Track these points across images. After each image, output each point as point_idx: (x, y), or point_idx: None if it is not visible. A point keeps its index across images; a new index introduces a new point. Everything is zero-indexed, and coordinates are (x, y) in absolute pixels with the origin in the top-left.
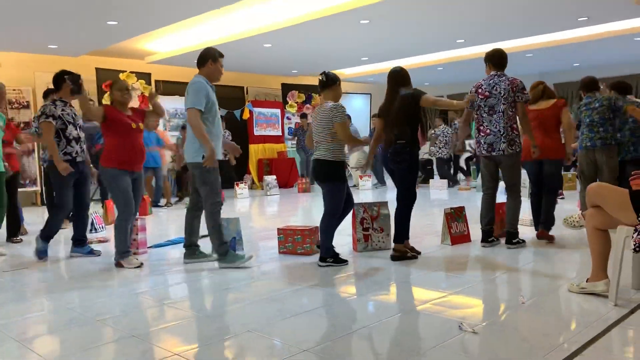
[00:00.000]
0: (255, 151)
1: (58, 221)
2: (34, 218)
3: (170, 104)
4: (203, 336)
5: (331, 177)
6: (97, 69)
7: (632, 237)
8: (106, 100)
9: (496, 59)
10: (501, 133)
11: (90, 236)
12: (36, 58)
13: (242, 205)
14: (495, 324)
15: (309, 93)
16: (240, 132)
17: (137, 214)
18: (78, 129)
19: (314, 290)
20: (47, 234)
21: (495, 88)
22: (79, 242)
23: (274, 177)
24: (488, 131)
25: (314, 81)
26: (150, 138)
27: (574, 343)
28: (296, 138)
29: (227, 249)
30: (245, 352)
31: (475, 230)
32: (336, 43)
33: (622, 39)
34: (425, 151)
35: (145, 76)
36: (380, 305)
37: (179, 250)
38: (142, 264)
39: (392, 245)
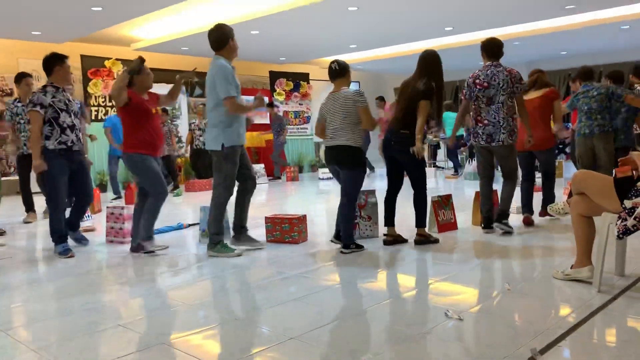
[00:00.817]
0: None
1: (58, 218)
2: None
3: (157, 91)
4: (191, 324)
5: (355, 163)
6: (82, 56)
7: (616, 224)
8: (92, 87)
9: (491, 49)
10: (501, 124)
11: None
12: (20, 45)
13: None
14: (481, 311)
15: (297, 80)
16: None
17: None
18: (73, 116)
19: (301, 278)
20: (56, 234)
21: (493, 79)
22: (72, 225)
23: (262, 165)
24: (486, 122)
25: (302, 69)
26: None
27: (558, 329)
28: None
29: (221, 239)
30: (232, 340)
31: (462, 217)
32: (324, 30)
33: (609, 27)
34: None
35: (130, 63)
36: (367, 293)
37: (165, 239)
38: (167, 247)
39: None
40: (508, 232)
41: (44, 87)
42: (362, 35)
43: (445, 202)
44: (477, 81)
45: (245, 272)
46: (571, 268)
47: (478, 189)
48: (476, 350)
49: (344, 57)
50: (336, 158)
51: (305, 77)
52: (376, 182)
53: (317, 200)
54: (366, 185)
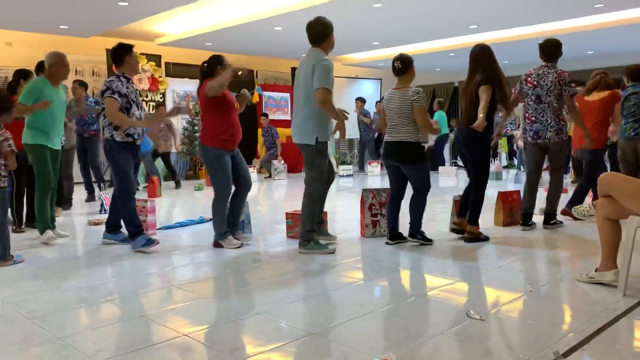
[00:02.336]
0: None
1: (133, 208)
2: None
3: (180, 86)
4: (211, 318)
5: (418, 158)
6: (107, 50)
7: None
8: None
9: (548, 50)
10: (548, 122)
11: (100, 217)
12: (47, 38)
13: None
14: (503, 312)
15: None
16: (250, 115)
17: (234, 189)
18: (140, 110)
19: (321, 274)
20: (133, 224)
21: (542, 79)
22: (113, 228)
23: (282, 161)
24: (534, 119)
25: None
26: None
27: (581, 332)
28: None
29: (313, 237)
30: (252, 334)
31: (484, 217)
32: (347, 27)
33: (638, 27)
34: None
35: (155, 58)
36: (388, 291)
37: (187, 233)
38: (242, 244)
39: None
40: (558, 226)
41: (118, 76)
42: (385, 33)
43: None
44: (529, 79)
45: (266, 267)
46: (596, 271)
47: (500, 189)
48: (497, 352)
49: (366, 55)
50: (395, 154)
51: None
52: None
53: (337, 197)
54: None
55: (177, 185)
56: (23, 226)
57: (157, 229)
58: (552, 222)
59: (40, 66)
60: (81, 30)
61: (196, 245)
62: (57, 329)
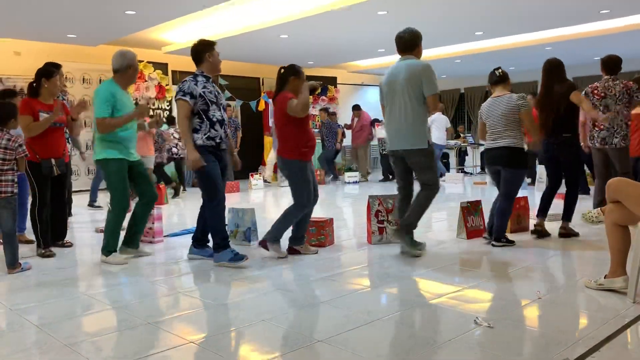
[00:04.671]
0: (271, 142)
1: (222, 218)
2: None
3: None
4: (217, 325)
5: (521, 163)
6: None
7: None
8: None
9: (609, 65)
10: (615, 129)
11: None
12: (55, 47)
13: (256, 196)
14: (511, 319)
15: (325, 85)
16: (256, 123)
17: None
18: (222, 110)
19: (328, 281)
20: (220, 236)
21: (610, 90)
22: (201, 242)
23: None
24: (602, 126)
25: (330, 73)
26: None
27: (590, 339)
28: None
29: (413, 229)
30: (259, 342)
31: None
32: (353, 34)
33: None
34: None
35: (162, 66)
36: (395, 298)
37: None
38: (287, 255)
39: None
40: None
41: (195, 76)
42: (391, 39)
43: (474, 208)
44: (595, 91)
45: (272, 274)
46: (605, 278)
47: None
48: (505, 359)
49: (371, 62)
50: (500, 159)
51: (332, 81)
52: None
53: (343, 204)
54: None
55: (176, 193)
56: (50, 248)
57: (164, 236)
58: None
59: (44, 73)
60: (89, 39)
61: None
62: (64, 336)
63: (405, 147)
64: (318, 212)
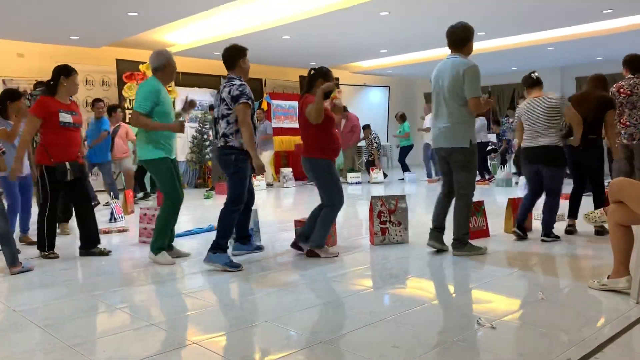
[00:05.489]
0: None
1: (232, 218)
2: None
3: (190, 95)
4: (221, 325)
5: (561, 161)
6: (117, 60)
7: None
8: (127, 91)
9: (634, 64)
10: None
11: (110, 226)
12: (58, 49)
13: (258, 197)
14: (514, 320)
15: (337, 83)
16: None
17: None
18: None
19: (331, 282)
20: (226, 240)
21: (636, 88)
22: (244, 239)
23: (290, 169)
24: (628, 123)
25: (333, 74)
26: (97, 129)
27: (594, 340)
28: None
29: (467, 240)
30: (262, 342)
31: (494, 225)
32: (355, 35)
33: None
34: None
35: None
36: (397, 298)
37: (197, 241)
38: (338, 253)
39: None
40: None
41: (240, 79)
42: (393, 40)
43: (477, 208)
44: (621, 90)
45: (275, 275)
46: (608, 278)
47: (509, 196)
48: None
49: (374, 62)
50: (542, 157)
51: (337, 81)
52: (406, 187)
53: (346, 204)
54: (394, 190)
55: (145, 196)
56: (55, 250)
57: None
58: None
59: (63, 70)
60: (91, 40)
61: (202, 254)
62: (67, 337)
63: (446, 145)
64: None
